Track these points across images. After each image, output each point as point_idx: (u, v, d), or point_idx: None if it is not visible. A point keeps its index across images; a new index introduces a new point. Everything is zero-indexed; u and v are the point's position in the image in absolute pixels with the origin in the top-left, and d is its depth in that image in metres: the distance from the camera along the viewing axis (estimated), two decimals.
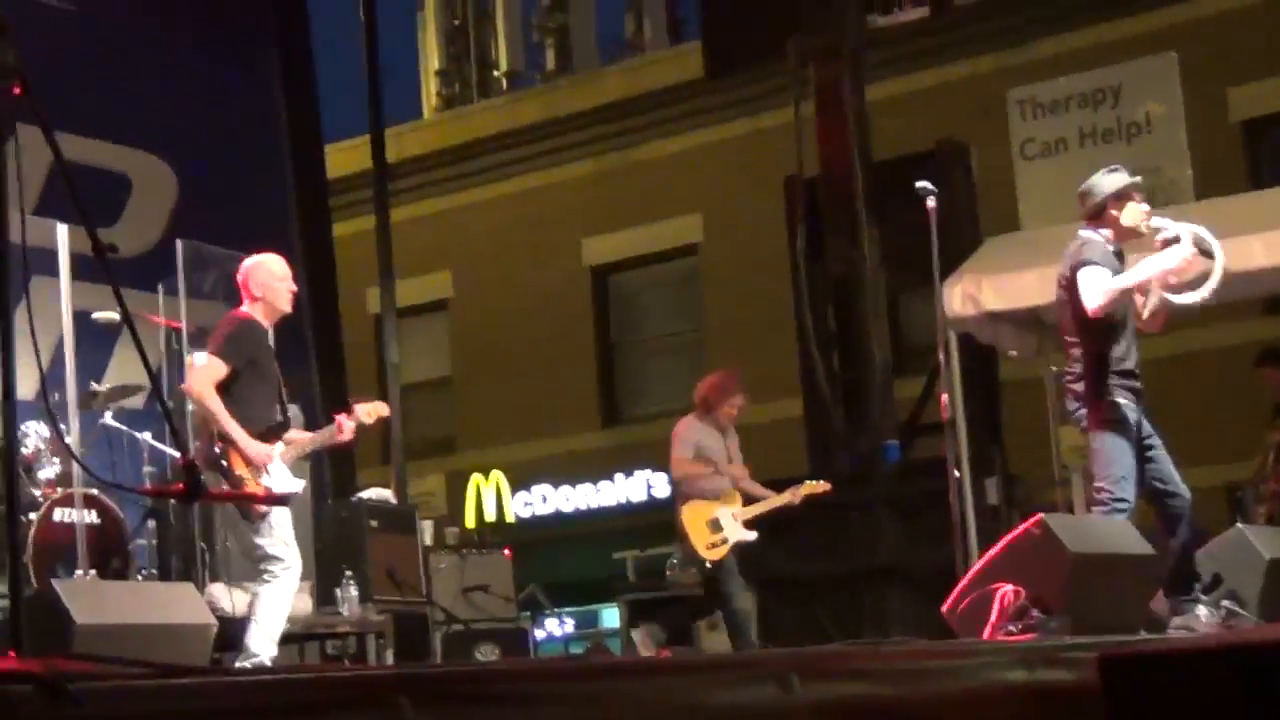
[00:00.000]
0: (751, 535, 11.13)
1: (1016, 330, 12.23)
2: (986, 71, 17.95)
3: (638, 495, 20.27)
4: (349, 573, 10.65)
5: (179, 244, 10.95)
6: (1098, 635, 6.23)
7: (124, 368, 10.85)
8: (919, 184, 9.64)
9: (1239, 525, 9.35)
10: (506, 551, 13.27)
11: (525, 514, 20.84)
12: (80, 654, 5.22)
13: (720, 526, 11.04)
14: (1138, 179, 8.41)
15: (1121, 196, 8.23)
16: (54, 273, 9.51)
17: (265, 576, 8.17)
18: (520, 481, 20.73)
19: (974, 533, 10.82)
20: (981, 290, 11.72)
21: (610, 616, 18.16)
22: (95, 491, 9.50)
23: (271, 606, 8.15)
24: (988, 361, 13.00)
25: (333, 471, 12.96)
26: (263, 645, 8.07)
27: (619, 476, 20.57)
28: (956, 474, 9.95)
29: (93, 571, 9.13)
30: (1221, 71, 16.69)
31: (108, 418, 10.18)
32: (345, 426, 8.57)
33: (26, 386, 5.08)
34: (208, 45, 12.97)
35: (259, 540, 8.16)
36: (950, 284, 11.50)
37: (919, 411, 12.90)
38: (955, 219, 11.70)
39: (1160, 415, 8.37)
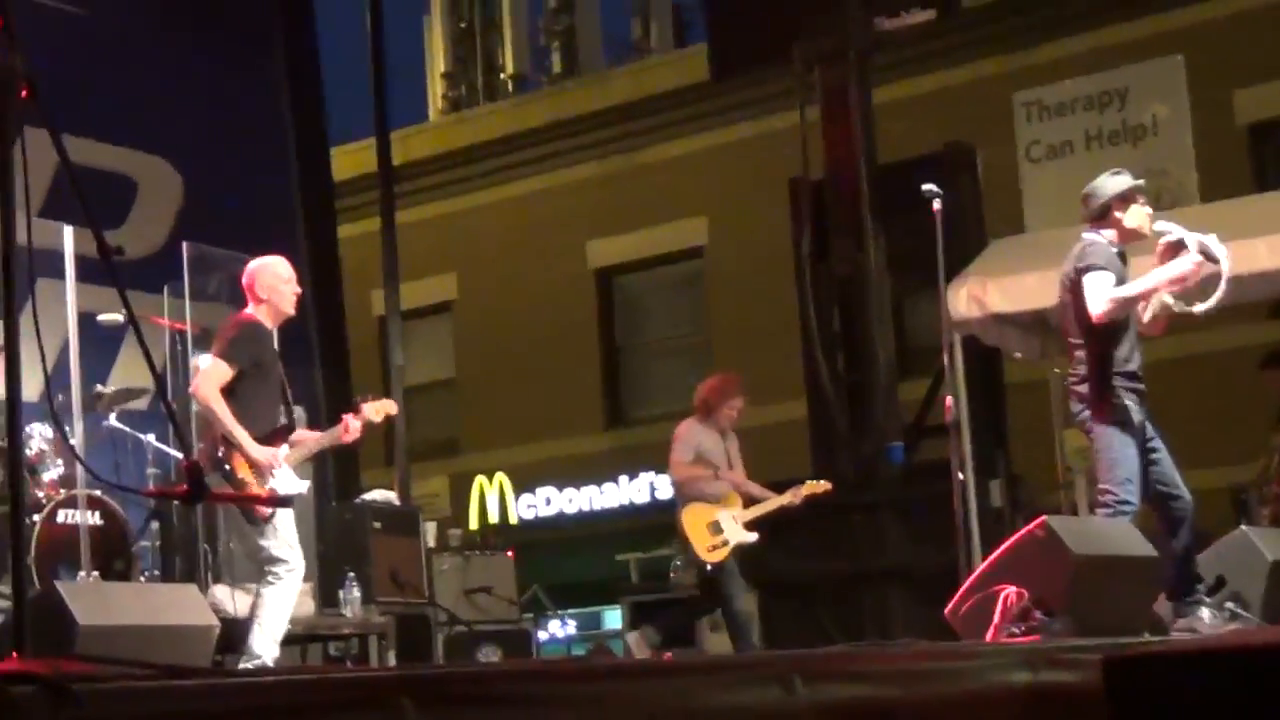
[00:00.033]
0: (752, 537, 11.13)
1: (1021, 332, 12.23)
2: (992, 74, 17.94)
3: (641, 497, 20.27)
4: (352, 574, 10.66)
5: (184, 246, 10.96)
6: (1101, 637, 6.22)
7: (129, 369, 10.87)
8: (924, 186, 9.64)
9: (1243, 527, 9.33)
10: (509, 553, 13.28)
11: (528, 516, 20.85)
12: (83, 655, 5.22)
13: (721, 529, 11.04)
14: (1141, 181, 8.42)
15: (1125, 199, 8.24)
16: (59, 275, 9.52)
17: (269, 578, 8.18)
18: (524, 483, 20.75)
19: (977, 535, 10.83)
20: (987, 292, 11.73)
21: (613, 618, 18.15)
22: (99, 493, 9.51)
23: (274, 608, 8.16)
24: (992, 364, 13.00)
25: (336, 473, 12.97)
26: (265, 647, 8.08)
27: (622, 479, 20.58)
28: (960, 476, 9.95)
29: (96, 573, 9.13)
30: (1227, 74, 16.67)
31: (112, 419, 10.19)
32: (351, 426, 8.58)
33: (31, 388, 5.09)
34: (214, 48, 12.99)
35: (263, 542, 8.17)
36: (955, 286, 11.51)
37: (923, 414, 12.89)
38: (961, 221, 11.70)
39: (1164, 417, 8.37)
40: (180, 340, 10.68)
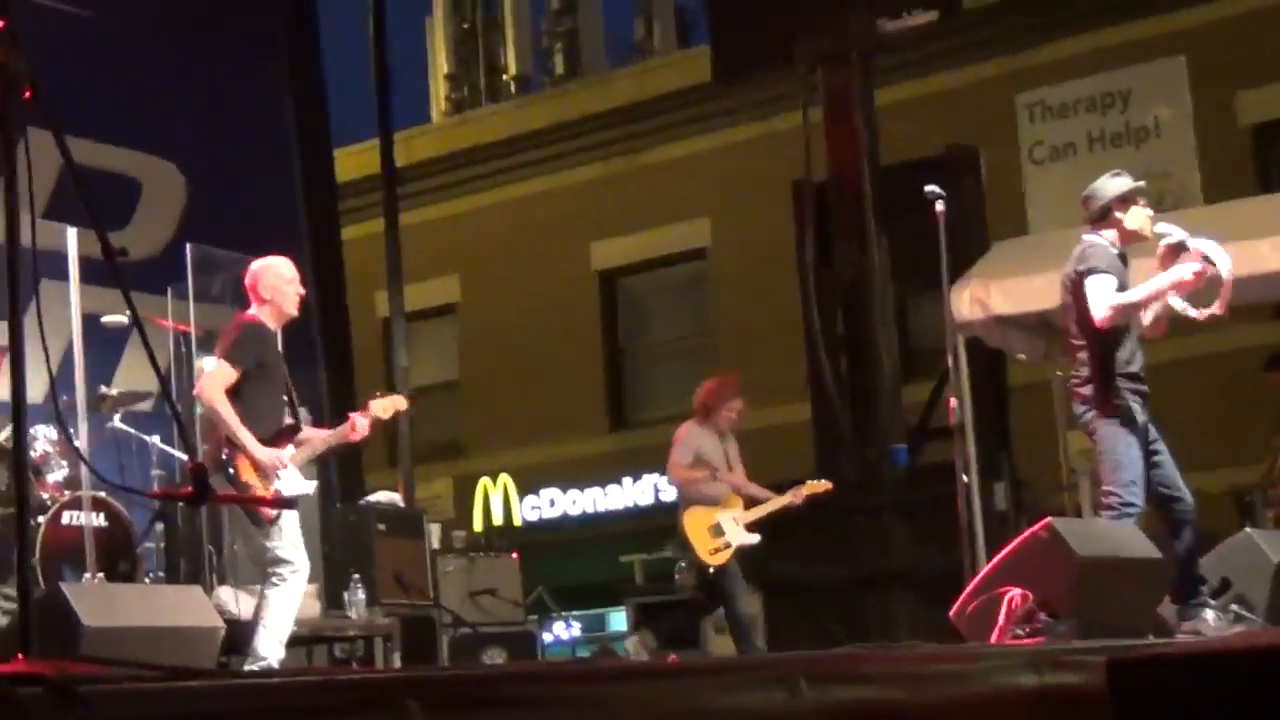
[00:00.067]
0: (754, 539, 11.12)
1: (1025, 334, 12.23)
2: (995, 76, 17.94)
3: (645, 499, 20.26)
4: (356, 576, 10.65)
5: (188, 248, 10.96)
6: (1105, 639, 6.22)
7: (133, 371, 10.87)
8: (927, 188, 9.64)
9: (1247, 529, 9.33)
10: (514, 555, 13.27)
11: (533, 517, 20.85)
12: (88, 656, 5.23)
13: (722, 531, 11.03)
14: (1142, 183, 8.41)
15: (1126, 200, 8.24)
16: (64, 276, 9.53)
17: (273, 579, 8.17)
18: (528, 485, 20.75)
19: (982, 537, 10.83)
20: (990, 294, 11.73)
21: (618, 620, 18.16)
22: (104, 494, 9.52)
23: (279, 609, 8.15)
24: (996, 366, 12.99)
25: (340, 475, 12.98)
26: (270, 648, 8.08)
27: (626, 480, 20.57)
28: (964, 478, 9.95)
29: (101, 574, 9.15)
30: (1230, 76, 16.67)
31: (116, 421, 10.20)
32: (359, 425, 8.56)
33: (36, 389, 5.08)
34: (217, 50, 13.00)
35: (268, 543, 8.16)
36: (959, 288, 11.50)
37: (927, 416, 12.90)
38: (964, 223, 11.70)
39: (1168, 419, 8.36)
40: (184, 342, 10.69)
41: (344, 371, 13.91)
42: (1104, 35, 17.57)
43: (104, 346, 10.45)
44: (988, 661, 5.20)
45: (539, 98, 23.05)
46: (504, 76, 23.92)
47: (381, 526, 11.62)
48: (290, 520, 8.20)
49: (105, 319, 9.93)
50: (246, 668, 7.94)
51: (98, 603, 6.51)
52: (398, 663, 10.57)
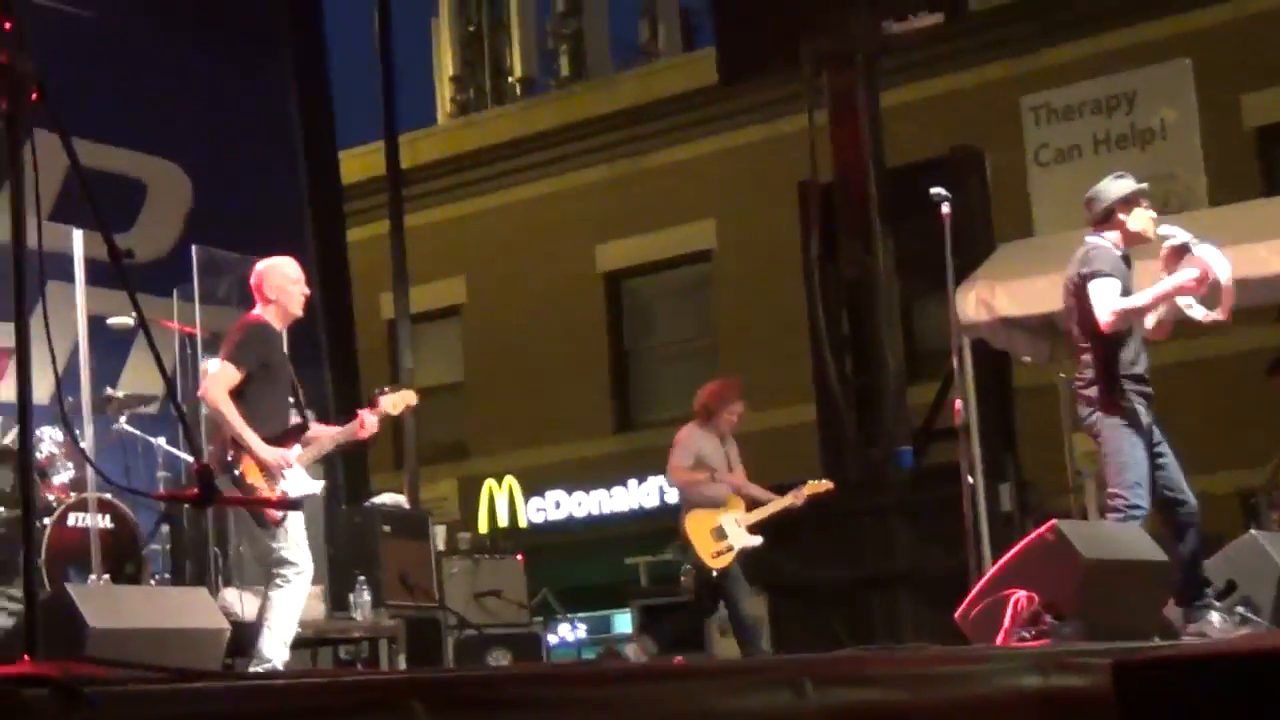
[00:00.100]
0: (756, 541, 11.11)
1: (1030, 336, 12.22)
2: (1001, 78, 17.94)
3: (650, 501, 20.26)
4: (362, 578, 10.66)
5: (194, 250, 10.97)
6: (1111, 641, 6.21)
7: (139, 372, 10.88)
8: (933, 190, 9.64)
9: (1252, 532, 9.31)
10: (519, 557, 13.28)
11: (538, 519, 20.85)
12: (94, 658, 5.22)
13: (725, 534, 11.03)
14: (1145, 185, 8.41)
15: (1129, 201, 8.23)
16: (69, 278, 9.53)
17: (277, 581, 8.17)
18: (533, 487, 20.75)
19: (987, 539, 10.81)
20: (995, 296, 11.72)
21: (623, 622, 18.15)
22: (109, 496, 9.52)
23: (283, 611, 8.15)
24: (1001, 367, 12.99)
25: (346, 476, 12.98)
26: (275, 650, 8.07)
27: (632, 482, 20.56)
28: (970, 480, 9.94)
29: (106, 576, 9.15)
30: (1235, 78, 16.66)
31: (122, 422, 10.20)
32: (368, 421, 8.54)
33: (41, 391, 5.09)
34: (223, 51, 13.01)
35: (273, 544, 8.16)
36: (964, 290, 11.50)
37: (932, 417, 12.89)
38: (969, 225, 11.70)
39: (1173, 421, 8.36)
40: (190, 343, 10.70)
41: (349, 373, 13.92)
42: (1109, 38, 17.57)
43: (110, 348, 10.46)
44: (993, 663, 5.20)
45: (544, 100, 23.05)
46: (509, 78, 23.92)
47: (387, 528, 11.62)
48: (296, 521, 8.20)
49: (111, 321, 9.94)
50: (251, 669, 7.93)
51: (103, 604, 6.51)
52: (403, 664, 10.58)
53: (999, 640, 6.97)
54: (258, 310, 8.50)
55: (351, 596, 10.55)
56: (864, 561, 12.33)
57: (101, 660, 4.50)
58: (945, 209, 9.55)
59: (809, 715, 4.11)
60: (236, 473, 8.17)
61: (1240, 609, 8.19)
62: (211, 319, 10.64)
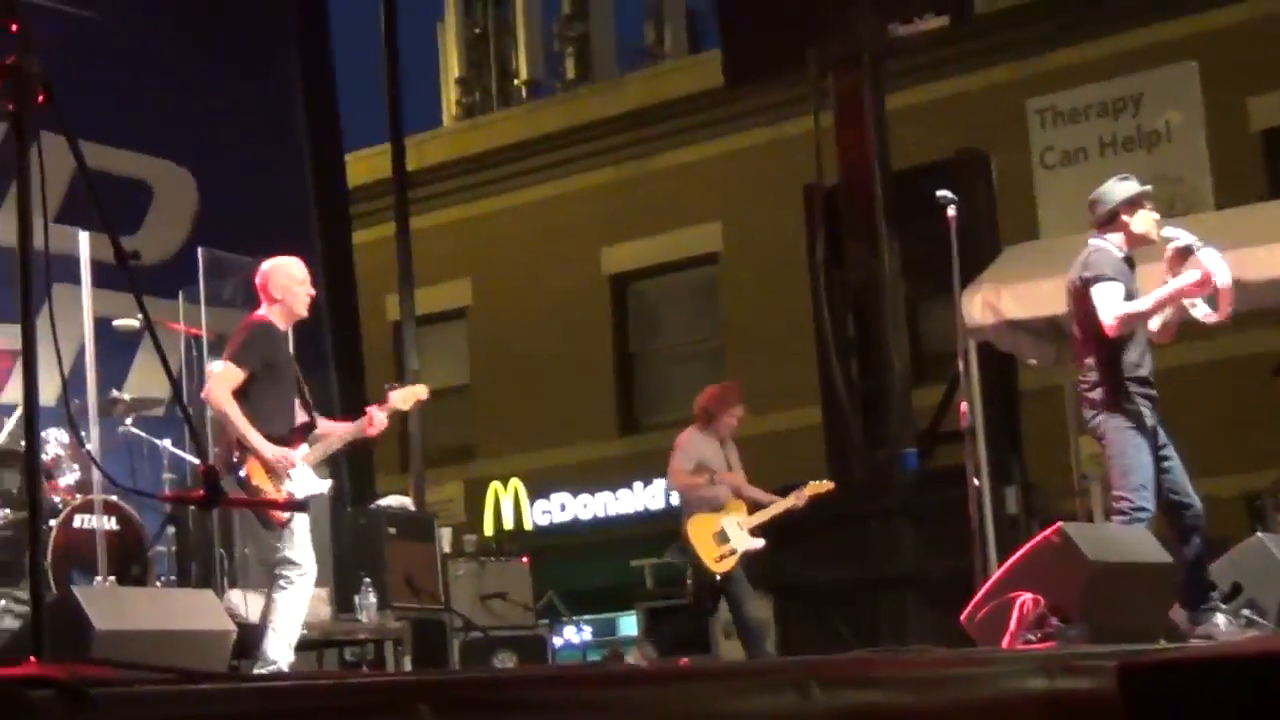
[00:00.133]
0: (759, 543, 11.10)
1: (1036, 339, 12.22)
2: (1006, 80, 17.93)
3: (655, 503, 20.24)
4: (367, 580, 10.66)
5: (200, 251, 10.98)
6: (1116, 644, 6.21)
7: (145, 374, 10.89)
8: (939, 192, 9.63)
9: (1258, 534, 9.31)
10: (525, 559, 13.29)
11: (543, 522, 20.84)
12: (100, 659, 5.23)
13: (727, 537, 11.01)
14: (1148, 187, 8.40)
15: (1133, 204, 8.23)
16: (76, 280, 9.53)
17: (280, 582, 8.16)
18: (539, 489, 20.74)
19: (993, 541, 10.80)
20: (1001, 299, 11.72)
21: (628, 624, 18.17)
22: (115, 498, 9.52)
23: (286, 612, 8.15)
24: (1007, 370, 12.98)
25: (351, 478, 12.99)
26: (279, 651, 8.07)
27: (637, 485, 20.57)
28: (975, 482, 9.92)
29: (112, 578, 9.15)
30: (1241, 81, 16.65)
31: (128, 424, 10.21)
32: (376, 419, 8.54)
33: (48, 393, 5.10)
34: (229, 54, 13.02)
35: (278, 545, 8.16)
36: (970, 292, 11.49)
37: (938, 420, 12.89)
38: (975, 227, 11.68)
39: (1178, 424, 8.35)
40: (196, 345, 10.71)
41: (354, 375, 13.93)
42: (1115, 40, 17.56)
43: (116, 350, 10.47)
44: (998, 666, 5.20)
45: (550, 102, 23.06)
46: (515, 81, 23.93)
47: (392, 530, 11.63)
48: (301, 523, 8.20)
49: (117, 323, 9.95)
50: (255, 671, 7.93)
51: (109, 606, 6.51)
52: (408, 666, 10.58)
53: (1004, 643, 6.97)
54: (262, 310, 8.51)
55: (357, 598, 10.56)
56: (869, 564, 12.32)
57: (107, 662, 4.51)
58: (951, 211, 9.54)
59: (814, 717, 4.11)
60: (241, 474, 8.17)
61: (1246, 612, 8.19)
62: (217, 321, 10.64)
